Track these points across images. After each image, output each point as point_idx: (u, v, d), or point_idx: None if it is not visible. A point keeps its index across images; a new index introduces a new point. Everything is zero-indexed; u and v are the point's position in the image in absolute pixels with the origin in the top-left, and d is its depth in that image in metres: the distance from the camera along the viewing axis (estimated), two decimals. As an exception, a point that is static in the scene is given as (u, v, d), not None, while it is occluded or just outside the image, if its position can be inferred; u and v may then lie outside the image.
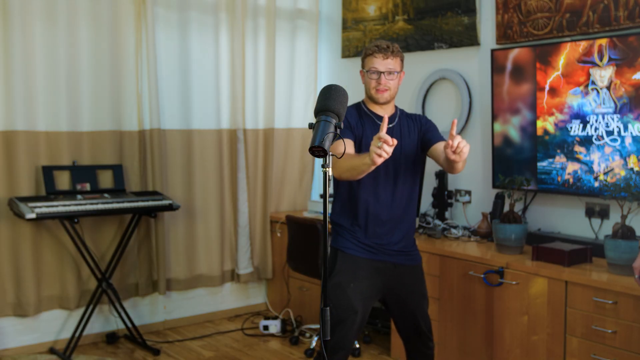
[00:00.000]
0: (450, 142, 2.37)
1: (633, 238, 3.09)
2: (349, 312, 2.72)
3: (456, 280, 3.62)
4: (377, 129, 2.78)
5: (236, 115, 4.74)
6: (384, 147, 2.26)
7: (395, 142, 2.28)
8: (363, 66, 2.83)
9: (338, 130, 1.83)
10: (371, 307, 2.86)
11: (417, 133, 2.86)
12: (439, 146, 2.79)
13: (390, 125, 2.83)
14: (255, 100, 4.83)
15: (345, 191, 2.86)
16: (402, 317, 2.91)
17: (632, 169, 3.28)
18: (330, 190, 3.39)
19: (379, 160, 2.30)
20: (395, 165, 2.79)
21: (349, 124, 2.77)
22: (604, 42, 3.35)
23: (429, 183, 4.29)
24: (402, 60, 2.82)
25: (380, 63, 2.75)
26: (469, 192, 4.21)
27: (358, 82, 5.04)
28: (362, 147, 2.77)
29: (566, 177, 3.56)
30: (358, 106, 2.88)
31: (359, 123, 2.80)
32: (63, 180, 4.05)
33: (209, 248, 4.70)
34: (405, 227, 2.87)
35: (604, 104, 3.37)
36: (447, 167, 2.70)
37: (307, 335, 4.45)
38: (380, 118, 2.80)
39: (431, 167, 4.22)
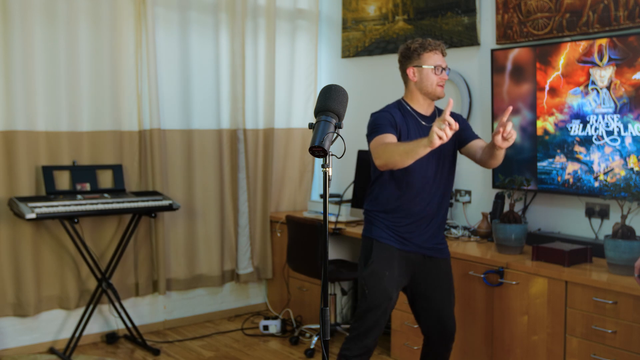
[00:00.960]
0: (501, 128, 2.53)
1: (633, 238, 3.09)
2: (384, 299, 2.83)
3: (456, 280, 3.61)
4: (421, 128, 2.85)
5: (236, 115, 4.74)
6: (446, 130, 2.38)
7: (457, 126, 2.43)
8: (419, 62, 2.82)
9: (338, 130, 1.83)
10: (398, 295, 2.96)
11: (453, 132, 2.90)
12: (475, 144, 2.89)
13: (431, 124, 2.86)
14: (255, 100, 4.83)
15: (381, 185, 2.93)
16: (425, 312, 2.99)
17: (632, 169, 3.27)
18: (331, 190, 3.39)
19: (438, 143, 2.42)
20: (433, 163, 2.86)
21: (394, 121, 2.81)
22: (604, 42, 3.35)
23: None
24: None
25: (442, 60, 2.84)
26: (469, 192, 4.21)
27: (358, 82, 5.03)
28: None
29: (566, 177, 3.56)
30: (400, 105, 2.91)
31: (404, 122, 2.84)
32: (63, 180, 4.05)
33: (209, 248, 4.70)
34: (438, 222, 2.95)
35: (604, 104, 3.37)
36: (485, 161, 2.82)
37: (307, 335, 4.45)
38: (423, 117, 2.89)
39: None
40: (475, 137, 2.94)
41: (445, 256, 2.99)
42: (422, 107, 2.88)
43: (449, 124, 2.39)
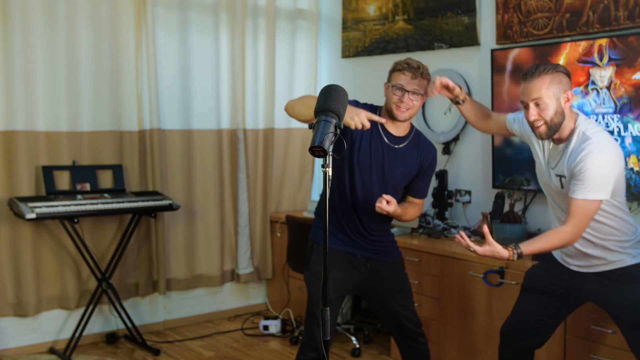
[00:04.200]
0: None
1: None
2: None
3: (456, 280, 3.62)
4: (381, 142, 2.83)
5: (236, 115, 4.74)
6: (357, 124, 2.57)
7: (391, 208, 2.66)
8: (389, 80, 2.83)
9: (338, 130, 1.84)
10: (343, 300, 3.02)
11: (415, 168, 2.91)
12: (407, 199, 2.98)
13: (397, 146, 2.85)
14: (255, 100, 4.83)
15: (326, 189, 2.97)
16: (384, 315, 3.02)
17: (632, 169, 3.28)
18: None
19: (351, 124, 2.57)
20: (378, 185, 2.85)
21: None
22: (604, 42, 3.35)
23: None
24: (428, 83, 2.81)
25: (408, 82, 2.75)
26: (469, 192, 4.20)
27: (358, 82, 5.02)
28: (353, 150, 2.81)
29: (566, 177, 3.55)
30: (375, 111, 2.88)
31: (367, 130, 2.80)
32: (63, 180, 4.06)
33: (209, 248, 4.70)
34: (379, 224, 2.94)
35: (604, 104, 3.37)
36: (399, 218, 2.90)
37: (307, 335, 4.44)
38: (389, 137, 2.85)
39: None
40: (415, 194, 2.97)
41: (393, 259, 2.98)
42: (389, 124, 2.84)
43: (364, 126, 2.60)
